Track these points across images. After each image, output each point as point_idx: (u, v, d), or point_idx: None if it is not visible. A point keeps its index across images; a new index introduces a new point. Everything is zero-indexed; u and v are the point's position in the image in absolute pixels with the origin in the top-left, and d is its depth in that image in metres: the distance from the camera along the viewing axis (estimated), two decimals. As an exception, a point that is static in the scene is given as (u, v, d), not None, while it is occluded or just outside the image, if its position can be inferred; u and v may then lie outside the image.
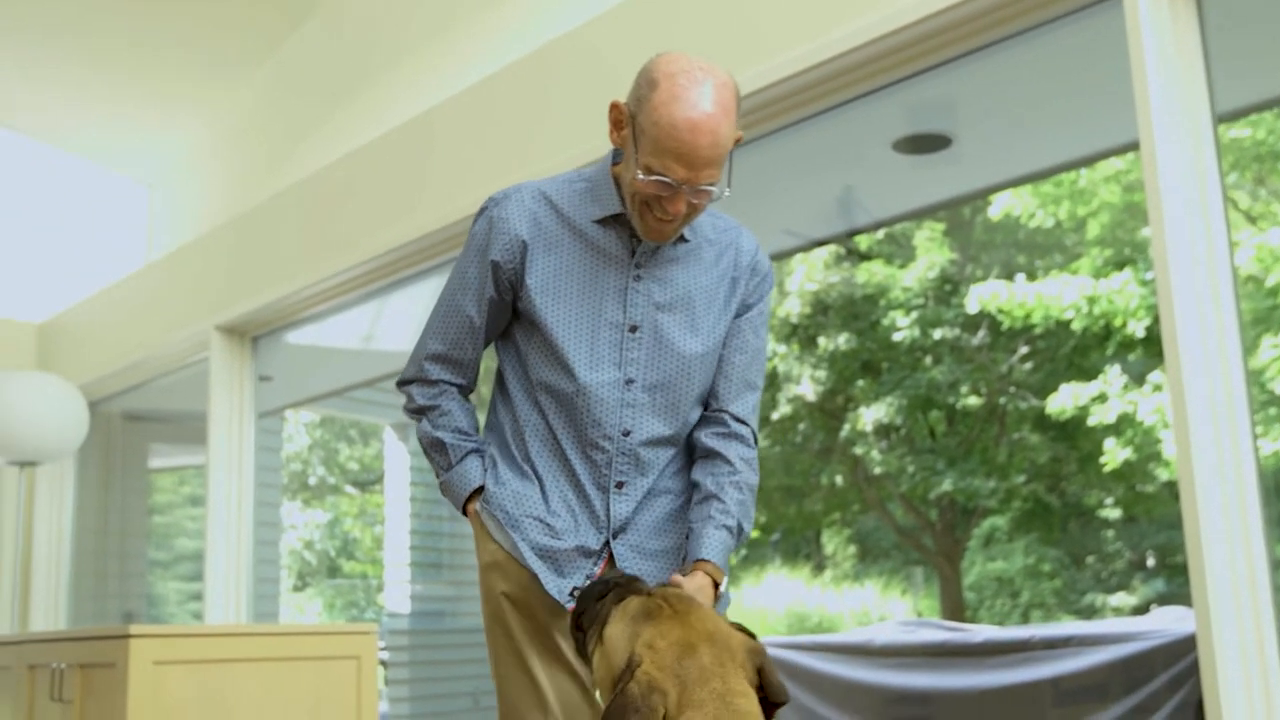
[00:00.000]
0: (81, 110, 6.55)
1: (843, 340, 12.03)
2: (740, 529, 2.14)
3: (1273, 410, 7.96)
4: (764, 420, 12.57)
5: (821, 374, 12.17)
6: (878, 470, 12.63)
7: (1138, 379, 10.58)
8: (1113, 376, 10.61)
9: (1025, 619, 13.02)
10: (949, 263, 11.87)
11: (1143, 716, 5.14)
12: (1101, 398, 10.57)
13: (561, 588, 2.09)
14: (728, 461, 2.17)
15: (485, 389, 2.82)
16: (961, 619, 12.23)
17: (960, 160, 4.12)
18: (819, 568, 16.70)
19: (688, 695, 1.59)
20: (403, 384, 2.28)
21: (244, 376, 5.62)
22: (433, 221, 4.50)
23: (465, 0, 5.09)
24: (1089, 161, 8.07)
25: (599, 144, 2.73)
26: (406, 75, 5.33)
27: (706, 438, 2.21)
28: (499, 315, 2.21)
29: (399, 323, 5.93)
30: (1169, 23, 2.76)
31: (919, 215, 8.49)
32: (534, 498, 2.12)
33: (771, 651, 2.00)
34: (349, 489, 17.09)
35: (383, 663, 7.90)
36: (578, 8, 4.24)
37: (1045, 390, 11.67)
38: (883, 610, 14.55)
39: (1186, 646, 5.12)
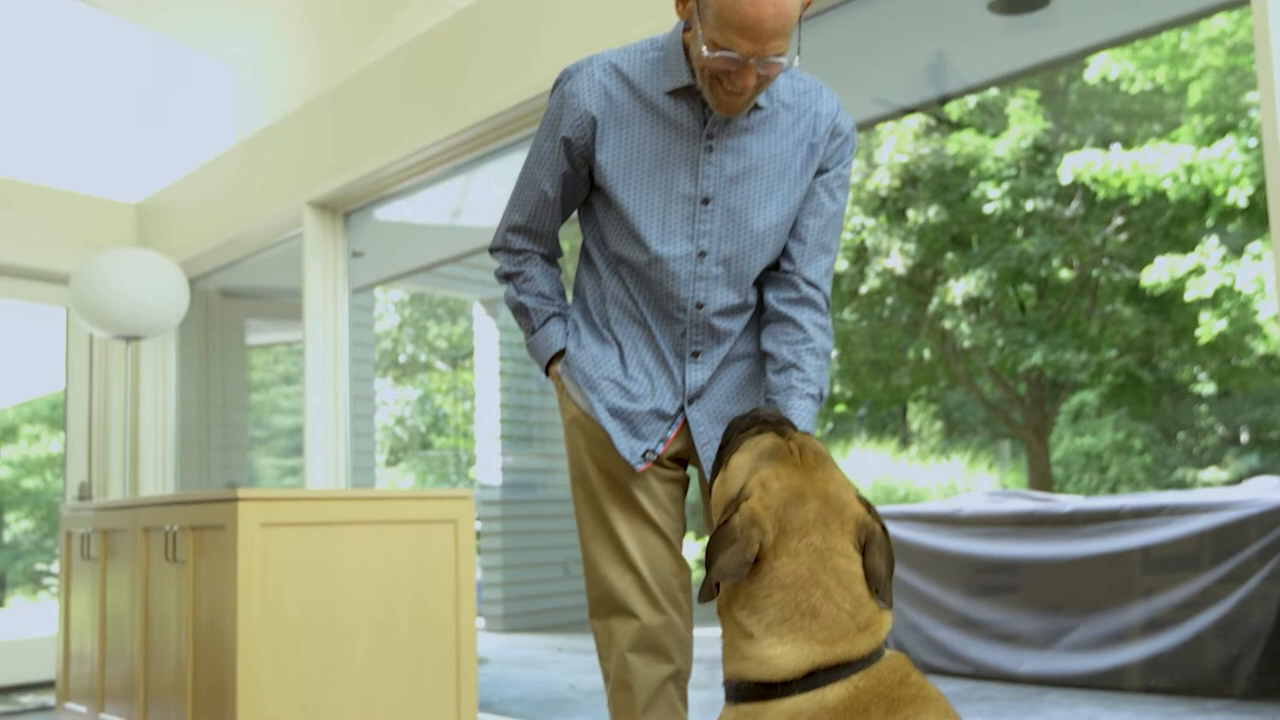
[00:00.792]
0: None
1: (932, 212, 11.83)
2: (821, 395, 2.16)
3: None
4: (851, 294, 12.47)
5: (910, 247, 12.01)
6: (966, 344, 12.50)
7: (1236, 251, 10.30)
8: (1210, 248, 10.34)
9: (1113, 494, 12.93)
10: (1042, 131, 11.56)
11: (1233, 585, 5.13)
12: (1199, 270, 10.32)
13: (634, 449, 2.13)
14: (801, 328, 2.17)
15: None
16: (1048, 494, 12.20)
17: (1057, 21, 4.01)
18: (905, 442, 16.69)
19: (784, 542, 1.61)
20: (492, 251, 2.32)
21: (337, 252, 5.70)
22: (519, 95, 4.48)
23: None
24: (1191, 21, 7.77)
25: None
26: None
27: (779, 303, 2.20)
28: (575, 189, 2.22)
29: (486, 198, 5.95)
30: None
31: (1013, 79, 8.25)
32: (612, 361, 2.16)
33: None
34: (439, 365, 17.33)
35: (476, 533, 8.08)
36: None
37: (1140, 262, 11.42)
38: (969, 484, 14.54)
39: (1279, 516, 5.08)
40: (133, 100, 7.03)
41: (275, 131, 6.00)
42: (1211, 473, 13.86)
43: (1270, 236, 2.62)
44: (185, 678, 3.82)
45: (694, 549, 10.44)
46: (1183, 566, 5.35)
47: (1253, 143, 9.46)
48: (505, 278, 2.30)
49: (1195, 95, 10.07)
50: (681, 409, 2.15)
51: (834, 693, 1.52)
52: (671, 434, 2.15)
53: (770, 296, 2.22)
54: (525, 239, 2.27)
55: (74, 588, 4.83)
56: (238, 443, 7.56)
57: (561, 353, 2.23)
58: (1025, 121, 11.51)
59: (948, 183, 11.85)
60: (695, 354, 2.14)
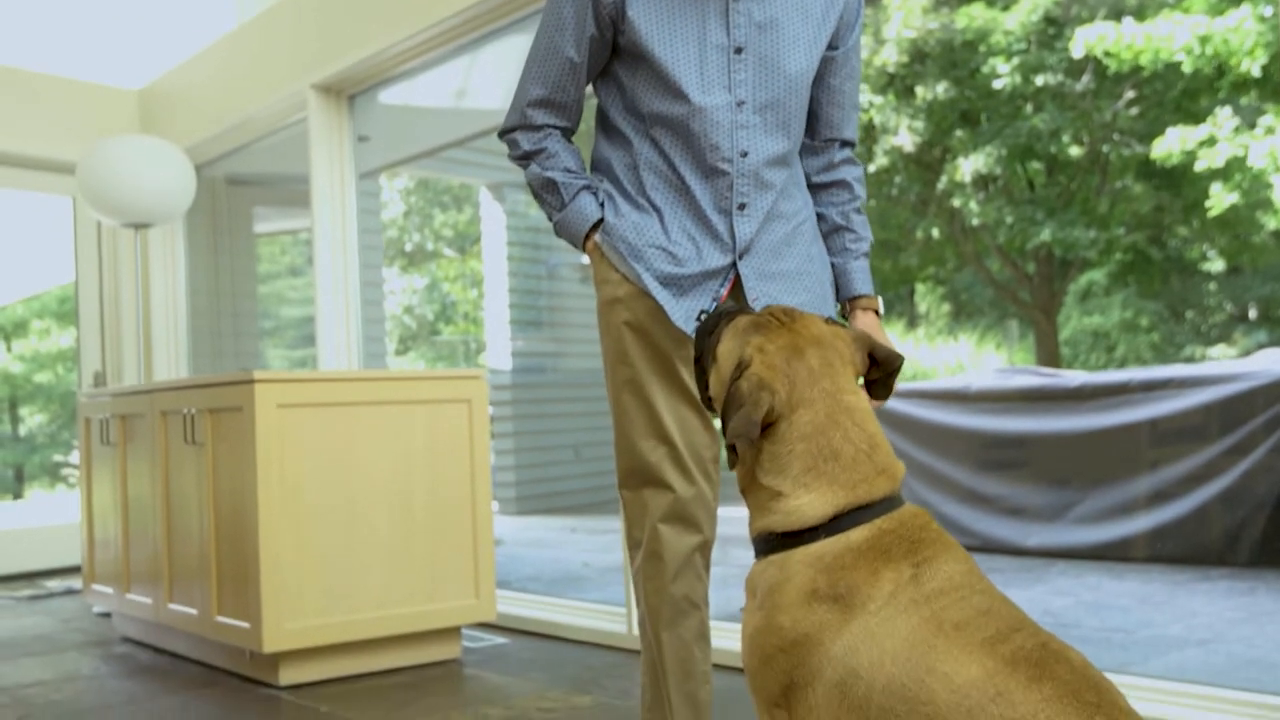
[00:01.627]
0: None
1: (941, 89, 11.68)
2: (869, 248, 2.34)
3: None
4: (859, 174, 12.37)
5: (919, 125, 11.88)
6: (975, 222, 12.44)
7: (1250, 123, 10.18)
8: (1223, 119, 10.22)
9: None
10: (1053, 4, 11.35)
11: (1240, 456, 5.18)
12: (1210, 141, 10.21)
13: (689, 311, 2.13)
14: (848, 187, 2.33)
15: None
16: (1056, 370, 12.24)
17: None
18: (912, 323, 16.70)
19: (797, 394, 1.64)
20: (505, 133, 2.28)
21: (343, 135, 5.66)
22: (524, -32, 4.42)
23: None
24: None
25: None
26: None
27: (825, 168, 2.32)
28: (599, 53, 2.20)
29: (491, 80, 5.89)
30: None
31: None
32: (654, 228, 2.15)
33: None
34: (447, 252, 17.29)
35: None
36: None
37: (1151, 136, 11.29)
38: (977, 365, 14.58)
39: (1288, 386, 5.11)
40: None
41: (276, 12, 5.92)
42: (1219, 350, 13.87)
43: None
44: (208, 558, 3.89)
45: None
46: (1189, 438, 5.39)
47: (1268, 11, 9.29)
48: (524, 158, 2.26)
49: (1210, -38, 9.88)
50: (733, 264, 2.15)
51: (857, 534, 1.56)
52: (724, 291, 2.15)
53: (813, 163, 2.32)
54: (548, 113, 2.23)
55: (95, 474, 4.90)
56: (248, 331, 7.59)
57: (599, 223, 2.22)
58: (1035, -6, 11.32)
59: (956, 58, 11.67)
60: (742, 206, 2.14)
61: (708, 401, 1.82)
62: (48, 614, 5.44)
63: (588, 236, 2.22)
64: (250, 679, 3.84)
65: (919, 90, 11.81)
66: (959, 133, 12.04)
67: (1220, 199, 10.37)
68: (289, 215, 8.13)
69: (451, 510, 3.99)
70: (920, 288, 16.61)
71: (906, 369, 14.05)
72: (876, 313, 2.31)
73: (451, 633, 4.03)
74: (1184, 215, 12.20)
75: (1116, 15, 10.48)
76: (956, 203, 12.28)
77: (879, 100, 11.95)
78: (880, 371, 1.76)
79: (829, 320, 1.75)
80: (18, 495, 8.88)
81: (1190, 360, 13.58)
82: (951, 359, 14.89)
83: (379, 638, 3.84)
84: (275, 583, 3.61)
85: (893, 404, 6.36)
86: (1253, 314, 14.51)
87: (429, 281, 17.38)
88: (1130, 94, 11.59)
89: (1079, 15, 11.16)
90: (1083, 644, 4.03)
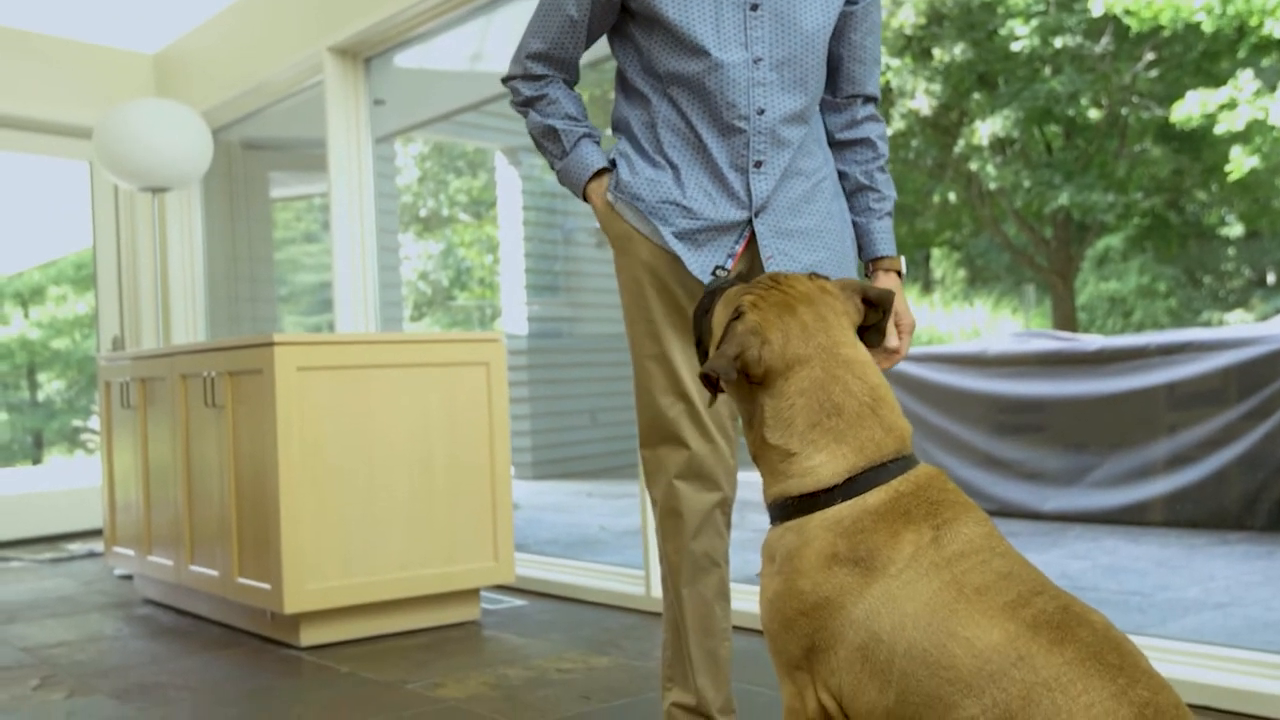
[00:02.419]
0: None
1: (958, 51, 11.59)
2: (893, 206, 2.33)
3: None
4: (876, 138, 12.31)
5: (936, 87, 11.80)
6: (992, 186, 12.37)
7: (1271, 86, 10.09)
8: (1244, 81, 10.13)
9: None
10: (1073, -36, 11.27)
11: (1259, 420, 5.16)
12: (1231, 104, 10.12)
13: (704, 264, 2.13)
14: (871, 145, 2.31)
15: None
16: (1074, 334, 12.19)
17: None
18: (927, 287, 16.65)
19: (793, 349, 1.64)
20: (506, 80, 2.29)
21: (359, 98, 5.65)
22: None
23: None
24: None
25: None
26: None
27: (848, 125, 2.30)
28: (602, 15, 2.19)
29: (507, 42, 5.86)
30: None
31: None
32: (668, 184, 2.15)
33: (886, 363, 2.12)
34: (462, 217, 17.27)
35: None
36: None
37: (1170, 99, 11.21)
38: (993, 329, 14.54)
39: (1308, 349, 5.08)
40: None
41: (291, -24, 5.90)
42: (1237, 315, 13.81)
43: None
44: (229, 521, 3.92)
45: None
46: (1207, 402, 5.37)
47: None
48: (525, 104, 2.28)
49: (1234, -79, 9.76)
50: (749, 221, 2.15)
51: (875, 497, 1.55)
52: (739, 247, 2.15)
53: (836, 119, 2.30)
54: (546, 65, 2.24)
55: (116, 437, 4.93)
56: (265, 296, 7.61)
57: (601, 172, 2.22)
58: (1056, -45, 11.22)
59: (974, 20, 11.58)
60: (758, 164, 2.13)
61: (710, 382, 1.79)
62: (70, 576, 5.49)
63: (588, 184, 2.23)
64: (271, 640, 3.87)
65: (936, 52, 11.73)
66: (976, 95, 11.96)
67: (1240, 163, 10.30)
68: (305, 180, 8.13)
69: (470, 473, 4.01)
70: (937, 252, 16.55)
71: (922, 333, 14.04)
72: (899, 274, 2.31)
73: (470, 595, 4.06)
74: (1203, 179, 12.12)
75: (1138, -24, 10.37)
76: (974, 166, 12.22)
77: (896, 63, 11.87)
78: (877, 314, 1.77)
79: (813, 276, 1.75)
80: (37, 461, 8.94)
81: (1208, 325, 13.52)
82: (968, 324, 14.85)
83: (398, 599, 3.86)
84: (295, 544, 3.63)
85: (909, 368, 6.35)
86: (1271, 279, 14.43)
87: (445, 247, 17.37)
88: (1150, 56, 11.49)
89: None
90: (1100, 606, 4.02)
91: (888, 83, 11.93)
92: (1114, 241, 13.81)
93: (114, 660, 3.70)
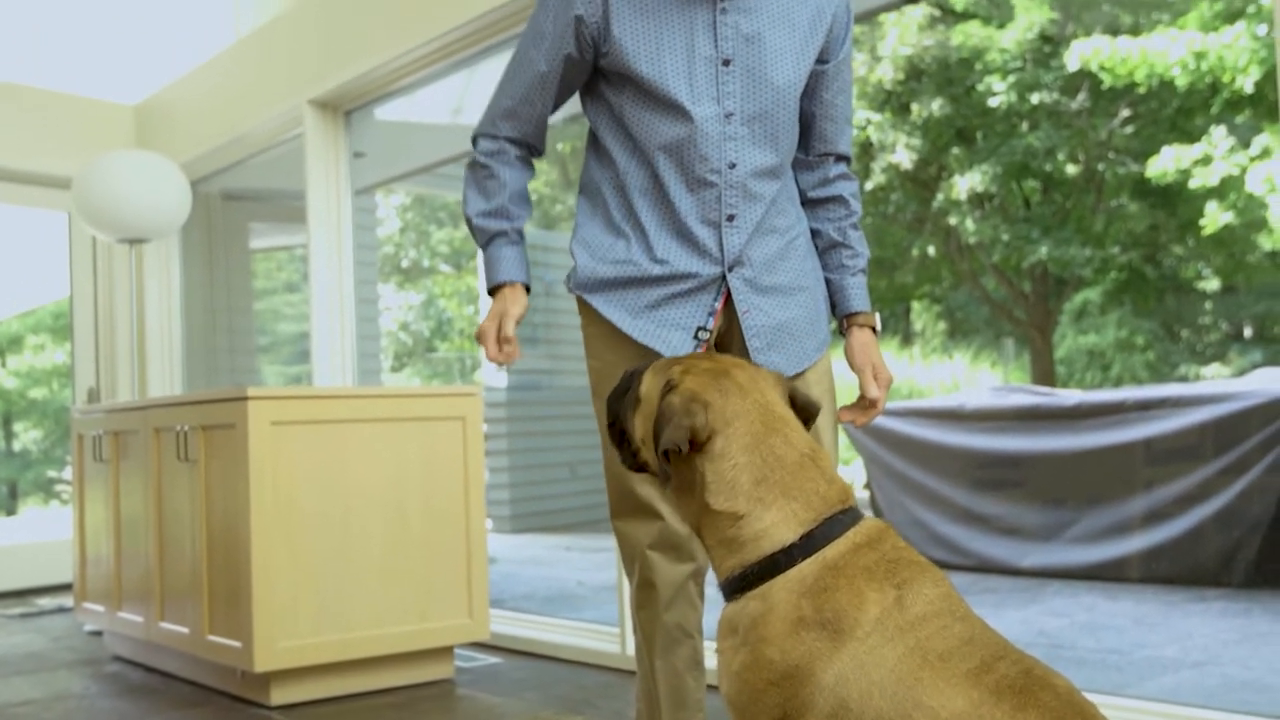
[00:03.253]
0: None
1: (937, 106, 11.71)
2: (866, 264, 2.33)
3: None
4: (856, 191, 12.39)
5: (915, 142, 11.91)
6: (971, 240, 12.46)
7: (1244, 142, 10.21)
8: (1218, 138, 10.25)
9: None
10: (1049, 22, 11.39)
11: (1235, 476, 5.18)
12: (1205, 160, 10.24)
13: (683, 340, 2.12)
14: (843, 202, 2.31)
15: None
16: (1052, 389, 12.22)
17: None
18: (907, 340, 16.70)
19: (731, 407, 1.63)
20: (473, 138, 2.30)
21: (339, 151, 5.66)
22: (520, -14, 4.42)
23: None
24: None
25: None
26: None
27: (820, 183, 2.31)
28: (574, 73, 2.19)
29: (487, 95, 5.89)
30: None
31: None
32: (636, 251, 2.14)
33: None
34: (443, 268, 17.29)
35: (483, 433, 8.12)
36: None
37: (1146, 155, 11.33)
38: (972, 383, 14.58)
39: (1282, 406, 5.11)
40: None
41: (274, 27, 5.93)
42: (1214, 369, 13.88)
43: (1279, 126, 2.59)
44: (200, 576, 3.87)
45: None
46: (1185, 458, 5.39)
47: (1262, 29, 9.32)
48: (472, 166, 2.28)
49: (1205, -19, 9.93)
50: (722, 277, 2.14)
51: (833, 552, 1.54)
52: (719, 304, 2.14)
53: (809, 178, 2.31)
54: (511, 124, 2.25)
55: (88, 490, 4.88)
56: (244, 347, 7.58)
57: (505, 285, 2.20)
58: (1032, 11, 11.35)
59: (952, 75, 11.71)
60: (730, 218, 2.13)
61: (633, 461, 1.78)
62: (39, 632, 5.41)
63: (491, 290, 2.22)
64: (242, 699, 3.82)
65: (915, 107, 11.85)
66: (955, 150, 12.07)
67: (1215, 218, 10.40)
68: (285, 231, 8.13)
69: (445, 528, 3.98)
70: (916, 305, 16.62)
71: (901, 386, 14.05)
72: (874, 330, 2.31)
73: (445, 652, 4.01)
74: (1179, 234, 12.23)
75: (1113, 33, 10.53)
76: (952, 220, 12.30)
77: (876, 117, 11.98)
78: (799, 417, 1.73)
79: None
80: (11, 511, 8.86)
81: (1185, 379, 13.58)
82: (947, 377, 14.89)
83: (372, 657, 3.81)
84: (267, 602, 3.59)
85: (888, 422, 6.35)
86: (1248, 332, 14.53)
87: (425, 298, 17.37)
88: (1126, 112, 11.63)
89: (1075, 33, 11.21)
90: (1079, 666, 4.01)
91: (867, 137, 12.03)
92: (1092, 295, 13.90)
93: None
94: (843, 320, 2.32)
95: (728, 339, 2.20)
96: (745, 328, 2.15)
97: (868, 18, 8.23)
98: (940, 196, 12.20)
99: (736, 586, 1.59)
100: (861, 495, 7.51)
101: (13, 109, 6.71)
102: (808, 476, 1.60)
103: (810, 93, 2.25)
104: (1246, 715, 2.78)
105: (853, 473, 11.20)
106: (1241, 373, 12.70)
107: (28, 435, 10.09)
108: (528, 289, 2.24)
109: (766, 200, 2.16)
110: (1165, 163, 10.49)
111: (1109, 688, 3.47)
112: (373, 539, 3.82)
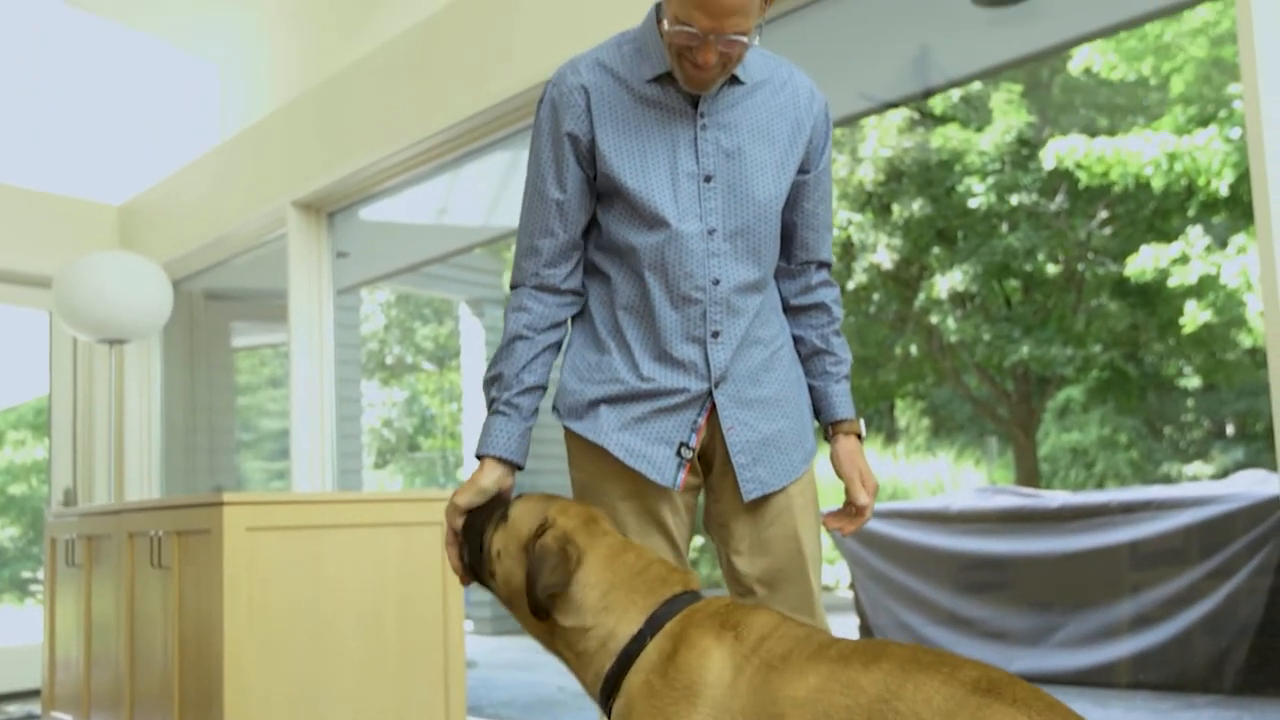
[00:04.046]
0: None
1: (917, 207, 11.84)
2: (849, 370, 2.35)
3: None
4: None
5: (896, 242, 12.01)
6: (953, 339, 12.52)
7: (1221, 242, 10.33)
8: (1194, 237, 10.38)
9: (1100, 489, 12.96)
10: (1026, 125, 11.58)
11: (1221, 579, 5.14)
12: (1183, 259, 10.35)
13: (666, 469, 2.11)
14: (826, 310, 2.32)
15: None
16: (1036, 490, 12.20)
17: (1040, 13, 4.01)
18: (890, 438, 16.69)
19: (594, 542, 1.83)
20: (511, 287, 2.26)
21: (321, 252, 5.67)
22: (505, 90, 4.47)
23: None
24: (1175, 11, 7.80)
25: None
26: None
27: (802, 291, 2.31)
28: (586, 190, 2.18)
29: (471, 196, 5.92)
30: None
31: (997, 72, 8.28)
32: (622, 367, 2.14)
33: None
34: (426, 365, 17.29)
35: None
36: None
37: (1124, 255, 11.44)
38: (956, 481, 14.55)
39: (1267, 509, 5.09)
40: (114, 100, 6.98)
41: (258, 131, 5.97)
42: (1197, 467, 13.89)
43: (1255, 227, 2.61)
44: (171, 684, 3.79)
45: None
46: (1170, 561, 5.36)
47: (1235, 133, 9.48)
48: (508, 313, 2.23)
49: (1178, 86, 10.10)
50: (709, 393, 2.13)
51: (674, 624, 1.69)
52: (702, 420, 2.13)
53: (790, 286, 2.31)
54: (535, 260, 2.19)
55: (59, 594, 4.80)
56: (224, 446, 7.53)
57: (482, 457, 2.15)
58: (1009, 115, 11.54)
59: (932, 177, 11.85)
60: (715, 334, 2.12)
61: (477, 566, 1.95)
62: (5, 739, 5.29)
63: (479, 456, 2.16)
64: (211, 812, 3.71)
65: (896, 208, 11.97)
66: (936, 250, 12.17)
67: (1194, 316, 10.48)
68: (267, 330, 8.12)
69: (423, 635, 3.91)
70: (899, 404, 16.64)
71: (885, 485, 14.01)
72: (859, 436, 2.30)
73: (420, 763, 3.92)
74: (1159, 332, 12.31)
75: (1089, 135, 10.70)
76: (934, 320, 12.37)
77: (857, 218, 12.09)
78: None
79: None
80: (-17, 612, 8.70)
81: (1169, 478, 13.58)
82: (930, 476, 14.86)
83: (345, 769, 3.72)
84: (240, 710, 3.50)
85: (872, 525, 6.31)
86: (1230, 430, 14.57)
87: (409, 395, 17.35)
88: (1104, 213, 11.77)
89: (1051, 135, 11.39)
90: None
91: (849, 237, 12.13)
92: (1074, 393, 13.94)
93: (43, 836, 3.53)
94: (828, 427, 2.32)
95: (710, 454, 2.18)
96: (730, 444, 2.14)
97: (848, 122, 8.35)
98: (922, 296, 12.28)
99: (607, 693, 1.73)
100: (845, 596, 7.42)
101: (-2, 208, 6.72)
102: (653, 574, 1.77)
103: (792, 203, 2.25)
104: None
105: (837, 574, 11.12)
106: (1225, 470, 12.72)
107: (4, 533, 9.95)
108: (515, 464, 2.16)
109: (750, 314, 2.16)
110: (1144, 262, 10.60)
111: (1099, 801, 3.40)
112: (348, 644, 3.75)
